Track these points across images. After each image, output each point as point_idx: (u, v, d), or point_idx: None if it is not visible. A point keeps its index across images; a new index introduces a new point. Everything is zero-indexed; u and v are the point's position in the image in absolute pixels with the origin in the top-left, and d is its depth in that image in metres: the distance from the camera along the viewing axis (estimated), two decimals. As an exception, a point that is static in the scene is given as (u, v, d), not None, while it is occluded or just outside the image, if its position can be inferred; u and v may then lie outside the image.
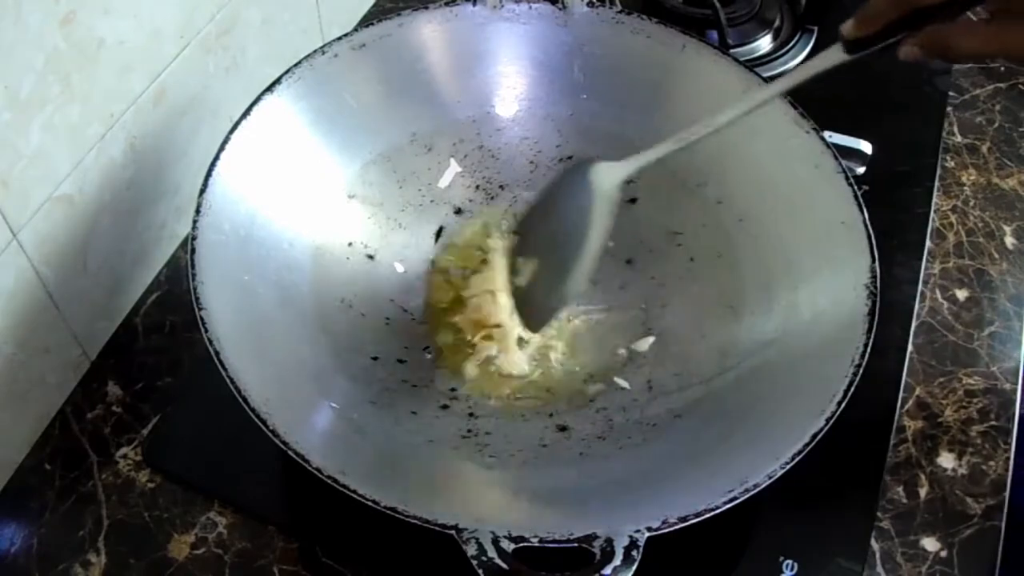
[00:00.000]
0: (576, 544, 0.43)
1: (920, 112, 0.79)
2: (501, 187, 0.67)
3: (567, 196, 0.54)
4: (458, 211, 0.66)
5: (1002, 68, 0.84)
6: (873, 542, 0.56)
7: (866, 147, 0.70)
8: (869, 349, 0.49)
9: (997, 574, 0.55)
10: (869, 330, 0.50)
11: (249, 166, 0.56)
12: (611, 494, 0.50)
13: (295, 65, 0.60)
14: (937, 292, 0.68)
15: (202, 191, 0.53)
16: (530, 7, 0.65)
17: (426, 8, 0.64)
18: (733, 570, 0.54)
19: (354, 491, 0.43)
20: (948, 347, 0.65)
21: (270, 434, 0.45)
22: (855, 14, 0.45)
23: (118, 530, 0.56)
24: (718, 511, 0.43)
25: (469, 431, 0.55)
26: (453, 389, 0.58)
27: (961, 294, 0.68)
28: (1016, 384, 0.63)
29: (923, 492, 0.58)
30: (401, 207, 0.65)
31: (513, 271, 0.56)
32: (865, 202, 0.55)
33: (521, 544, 0.42)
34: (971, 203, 0.74)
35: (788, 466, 0.45)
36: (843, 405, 0.47)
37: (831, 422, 0.46)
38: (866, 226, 0.54)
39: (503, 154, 0.67)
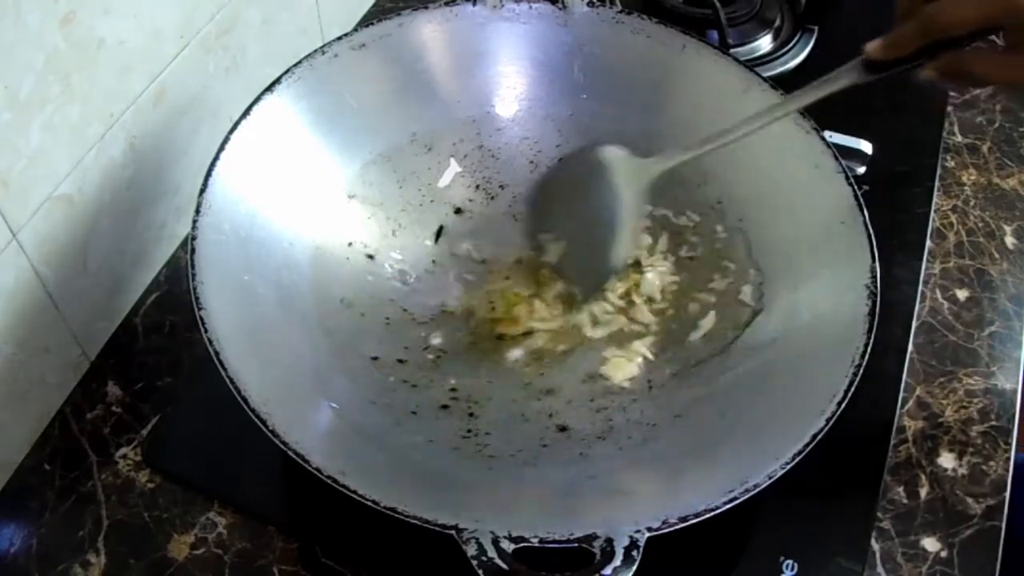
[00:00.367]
0: (576, 544, 0.43)
1: (920, 112, 0.79)
2: (501, 187, 0.67)
3: (589, 182, 0.57)
4: (458, 211, 0.66)
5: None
6: (873, 542, 0.56)
7: (866, 147, 0.70)
8: (869, 349, 0.49)
9: (997, 574, 0.55)
10: (869, 330, 0.50)
11: (249, 166, 0.56)
12: (611, 494, 0.50)
13: (295, 65, 0.60)
14: (937, 292, 0.68)
15: (202, 191, 0.53)
16: (530, 7, 0.65)
17: (426, 8, 0.64)
18: (733, 570, 0.54)
19: (354, 491, 0.43)
20: (948, 347, 0.65)
21: (270, 434, 0.45)
22: (882, 38, 0.47)
23: (118, 530, 0.56)
24: (718, 511, 0.43)
25: (469, 431, 0.55)
26: (453, 389, 0.58)
27: (961, 294, 0.68)
28: (1016, 384, 0.63)
29: (923, 492, 0.58)
30: (401, 207, 0.65)
31: (537, 248, 0.61)
32: (865, 202, 0.55)
33: (521, 544, 0.42)
34: (971, 203, 0.74)
35: (788, 466, 0.45)
36: (843, 405, 0.47)
37: (831, 422, 0.46)
38: (866, 226, 0.54)
39: (503, 154, 0.67)
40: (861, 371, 0.48)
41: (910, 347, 0.65)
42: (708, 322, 0.59)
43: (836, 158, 0.57)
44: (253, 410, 0.45)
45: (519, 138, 0.67)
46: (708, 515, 0.43)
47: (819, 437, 0.46)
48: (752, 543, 0.55)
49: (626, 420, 0.56)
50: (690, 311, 0.61)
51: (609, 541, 0.42)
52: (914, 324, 0.66)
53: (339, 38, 0.62)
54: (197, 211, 0.52)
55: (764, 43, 0.81)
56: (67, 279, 0.58)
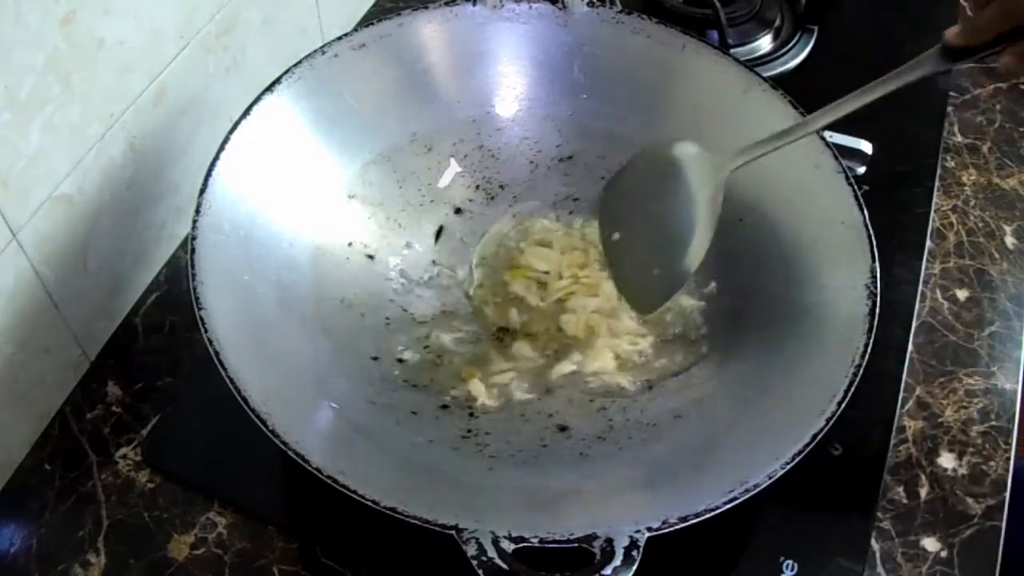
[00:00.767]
0: (576, 544, 0.43)
1: (920, 112, 0.79)
2: (501, 187, 0.67)
3: (662, 182, 0.55)
4: (458, 211, 0.66)
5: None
6: (873, 542, 0.56)
7: (866, 147, 0.70)
8: (869, 349, 0.49)
9: (997, 574, 0.55)
10: (869, 330, 0.50)
11: (249, 166, 0.56)
12: (611, 494, 0.50)
13: (295, 65, 0.60)
14: (937, 292, 0.68)
15: (202, 191, 0.53)
16: (530, 7, 0.65)
17: (426, 8, 0.64)
18: (733, 570, 0.54)
19: (354, 491, 0.43)
20: (948, 347, 0.65)
21: (270, 434, 0.45)
22: (961, 24, 0.46)
23: (118, 530, 0.56)
24: (718, 511, 0.43)
25: (469, 431, 0.55)
26: (453, 388, 0.58)
27: (961, 294, 0.68)
28: (1016, 384, 0.63)
29: (923, 492, 0.58)
30: (401, 207, 0.65)
31: (607, 247, 0.58)
32: (865, 202, 0.55)
33: (521, 544, 0.42)
34: (971, 203, 0.74)
35: (788, 466, 0.45)
36: (843, 405, 0.47)
37: (831, 422, 0.46)
38: (866, 226, 0.54)
39: (503, 154, 0.67)
40: (861, 371, 0.48)
41: (910, 347, 0.64)
42: (708, 322, 0.59)
43: (836, 158, 0.57)
44: (253, 410, 0.45)
45: (519, 138, 0.67)
46: (708, 515, 0.43)
47: (819, 437, 0.46)
48: (752, 543, 0.54)
49: (626, 420, 0.56)
50: (689, 311, 0.61)
51: (609, 541, 0.42)
52: (914, 324, 0.66)
53: (339, 38, 0.62)
54: (197, 211, 0.52)
55: (764, 43, 0.81)
56: (67, 279, 0.58)
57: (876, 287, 0.52)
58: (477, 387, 0.57)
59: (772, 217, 0.59)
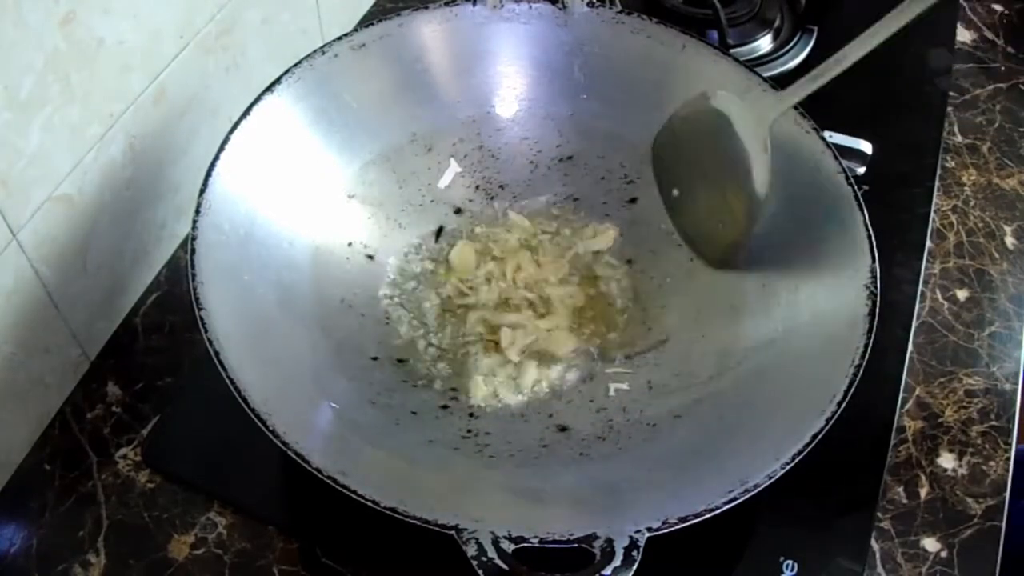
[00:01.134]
0: (576, 544, 0.43)
1: (920, 112, 0.79)
2: (501, 187, 0.67)
3: (709, 137, 0.58)
4: (458, 211, 0.66)
5: (1002, 68, 0.84)
6: (873, 542, 0.56)
7: (866, 147, 0.70)
8: (869, 349, 0.49)
9: (997, 574, 0.55)
10: (869, 330, 0.50)
11: (249, 166, 0.56)
12: (611, 494, 0.50)
13: (295, 65, 0.60)
14: (937, 292, 0.68)
15: (202, 191, 0.53)
16: (530, 7, 0.65)
17: (426, 8, 0.64)
18: (733, 570, 0.54)
19: (354, 491, 0.43)
20: (948, 347, 0.65)
21: (270, 434, 0.45)
22: None
23: (118, 530, 0.56)
24: (718, 511, 0.43)
25: (469, 431, 0.55)
26: (453, 389, 0.58)
27: (961, 294, 0.68)
28: (1016, 384, 0.63)
29: (923, 492, 0.58)
30: (401, 207, 0.65)
31: (668, 205, 0.62)
32: (865, 202, 0.55)
33: (521, 544, 0.42)
34: (971, 203, 0.74)
35: (788, 466, 0.45)
36: (843, 405, 0.47)
37: (831, 422, 0.46)
38: (866, 226, 0.54)
39: (503, 154, 0.67)
40: (861, 371, 0.48)
41: (910, 347, 0.65)
42: (708, 322, 0.59)
43: (836, 158, 0.57)
44: (253, 410, 0.45)
45: (519, 138, 0.67)
46: (708, 515, 0.43)
47: (819, 437, 0.46)
48: (752, 543, 0.55)
49: (626, 420, 0.56)
50: (690, 311, 0.61)
51: (609, 541, 0.42)
52: (914, 324, 0.66)
53: (339, 38, 0.62)
54: (197, 211, 0.52)
55: (764, 43, 0.81)
56: (67, 279, 0.58)
57: (876, 287, 0.52)
58: (477, 387, 0.57)
59: (772, 217, 0.59)
